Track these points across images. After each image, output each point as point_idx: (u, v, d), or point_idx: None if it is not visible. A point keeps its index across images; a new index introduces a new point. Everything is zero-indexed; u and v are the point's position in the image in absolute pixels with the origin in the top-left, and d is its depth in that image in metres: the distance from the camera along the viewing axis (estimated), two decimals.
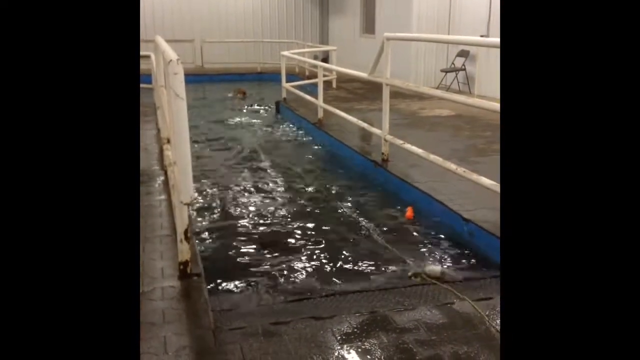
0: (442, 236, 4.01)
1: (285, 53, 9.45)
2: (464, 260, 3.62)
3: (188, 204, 2.82)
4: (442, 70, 11.00)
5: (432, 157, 4.54)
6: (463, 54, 10.58)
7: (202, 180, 5.64)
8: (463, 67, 10.61)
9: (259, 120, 9.53)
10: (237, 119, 9.64)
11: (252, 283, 3.28)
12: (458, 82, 10.69)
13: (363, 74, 5.89)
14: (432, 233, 4.09)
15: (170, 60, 2.31)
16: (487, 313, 2.67)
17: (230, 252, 3.81)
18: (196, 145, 7.32)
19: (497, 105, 3.96)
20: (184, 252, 2.93)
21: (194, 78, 14.71)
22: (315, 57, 16.47)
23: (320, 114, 7.59)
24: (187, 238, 2.92)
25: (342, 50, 13.69)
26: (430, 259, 3.67)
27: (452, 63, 10.86)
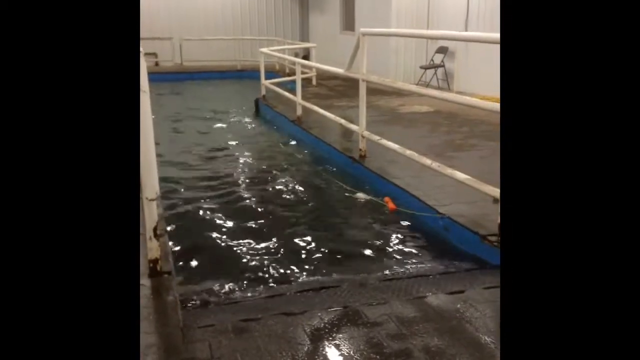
0: (418, 230, 4.01)
1: (264, 50, 9.40)
2: (438, 254, 3.62)
3: (154, 200, 2.78)
4: (421, 67, 11.04)
5: (408, 152, 4.54)
6: (442, 50, 10.62)
7: (171, 180, 5.59)
8: (442, 63, 10.65)
9: (237, 118, 9.47)
10: (215, 116, 9.57)
11: (225, 280, 3.24)
12: (437, 79, 10.74)
13: (340, 70, 5.87)
14: (408, 227, 4.08)
15: None
16: (458, 306, 2.67)
17: (202, 249, 3.77)
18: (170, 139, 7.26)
19: (474, 100, 3.98)
20: (154, 249, 2.88)
21: (173, 76, 14.63)
22: (296, 55, 16.45)
23: (299, 112, 7.56)
24: (156, 235, 2.87)
25: (322, 47, 13.67)
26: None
27: (431, 59, 10.90)
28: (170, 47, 15.44)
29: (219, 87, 13.75)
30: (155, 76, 14.35)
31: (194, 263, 3.53)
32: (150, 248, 2.87)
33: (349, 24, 13.92)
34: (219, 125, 8.93)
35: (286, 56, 9.71)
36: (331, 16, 15.07)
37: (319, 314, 2.59)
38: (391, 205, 4.37)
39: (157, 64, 15.81)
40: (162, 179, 5.00)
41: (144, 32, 15.31)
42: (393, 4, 11.26)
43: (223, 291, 3.08)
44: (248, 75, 14.37)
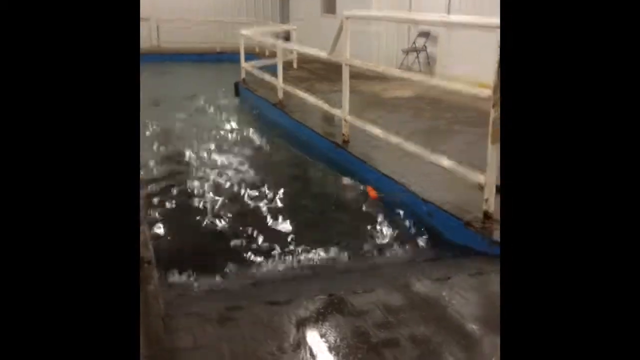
0: (402, 216, 4.00)
1: (244, 32, 9.25)
2: (423, 241, 3.61)
3: None
4: (403, 51, 10.98)
5: (392, 138, 4.51)
6: (424, 34, 10.58)
7: (153, 164, 5.49)
8: (424, 47, 10.62)
9: (216, 101, 9.33)
10: (192, 100, 9.42)
11: (208, 266, 3.19)
12: (419, 63, 10.70)
13: (322, 54, 5.80)
14: (392, 213, 4.07)
15: None
16: (444, 293, 2.66)
17: (184, 235, 3.71)
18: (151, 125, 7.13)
19: (459, 87, 3.96)
20: None
21: (150, 57, 14.32)
22: (276, 37, 16.25)
23: (281, 95, 7.46)
24: None
25: (303, 30, 13.50)
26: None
27: (413, 43, 10.86)
28: (147, 28, 15.12)
29: (197, 69, 13.55)
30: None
31: (174, 250, 3.46)
32: None
33: (330, 6, 13.77)
34: (196, 109, 8.78)
35: (267, 38, 9.55)
36: None
37: (305, 303, 2.55)
38: (373, 193, 4.35)
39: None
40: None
41: None
42: None
43: (206, 279, 3.03)
44: (227, 57, 14.14)
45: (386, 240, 3.63)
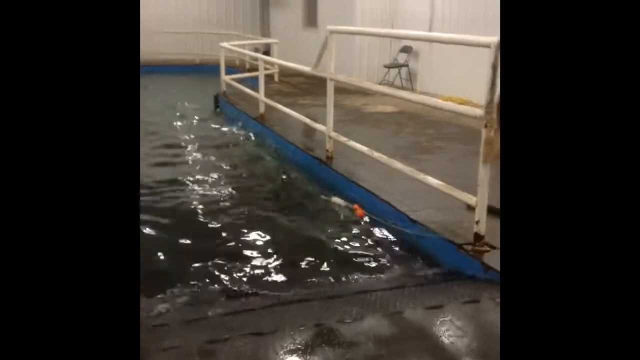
0: (389, 238, 3.87)
1: (225, 45, 9.11)
2: (412, 263, 3.49)
3: None
4: (385, 66, 10.95)
5: (377, 154, 4.40)
6: (406, 49, 10.56)
7: None
8: (406, 63, 10.60)
9: (195, 114, 9.16)
10: (171, 112, 9.24)
11: (187, 293, 3.01)
12: (401, 78, 10.67)
13: (306, 68, 5.69)
14: (379, 235, 3.94)
15: None
16: (438, 322, 2.53)
17: (160, 260, 3.52)
18: None
19: (441, 103, 3.89)
20: None
21: None
22: (256, 50, 16.12)
23: (262, 109, 7.33)
24: None
25: (284, 43, 13.40)
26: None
27: (395, 59, 10.84)
28: None
29: (177, 81, 13.35)
30: None
31: (153, 275, 3.28)
32: None
33: (311, 20, 13.72)
34: (175, 121, 8.60)
35: (247, 52, 9.41)
36: (293, 11, 14.82)
37: (291, 333, 2.40)
38: (360, 211, 4.23)
39: None
40: None
41: None
42: (357, 1, 11.13)
43: (186, 306, 2.85)
44: (208, 69, 13.94)
45: (373, 263, 3.49)
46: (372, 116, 7.85)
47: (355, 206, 4.34)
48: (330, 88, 5.13)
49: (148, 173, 5.62)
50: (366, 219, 4.15)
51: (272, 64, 10.35)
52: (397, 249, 3.71)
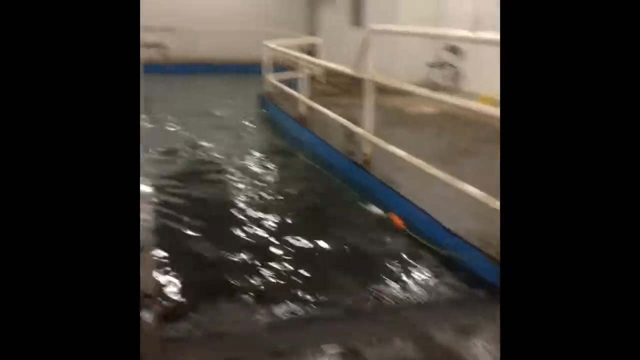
0: (425, 250, 3.70)
1: (269, 44, 9.07)
2: (447, 278, 3.31)
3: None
4: (428, 65, 10.67)
5: (415, 160, 4.22)
6: (451, 48, 10.25)
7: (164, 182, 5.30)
8: (451, 61, 10.29)
9: (239, 114, 9.17)
10: (216, 111, 9.28)
11: (211, 303, 2.93)
12: (445, 77, 10.37)
13: (346, 69, 5.56)
14: (414, 246, 3.77)
15: None
16: (471, 346, 2.36)
17: (188, 265, 3.47)
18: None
19: (484, 107, 3.68)
20: None
21: (181, 68, 14.36)
22: (302, 49, 16.09)
23: (303, 110, 7.24)
24: None
25: (330, 42, 13.31)
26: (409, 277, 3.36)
27: (440, 57, 10.54)
28: (176, 39, 15.13)
29: (223, 80, 13.44)
30: (163, 68, 14.21)
31: (179, 280, 3.23)
32: None
33: (357, 18, 13.55)
34: (218, 121, 8.64)
35: (290, 51, 9.32)
36: (340, 10, 14.70)
37: (312, 353, 2.28)
38: (397, 221, 4.06)
39: (164, 55, 15.53)
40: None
41: (155, 22, 15.04)
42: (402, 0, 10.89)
43: (208, 318, 2.77)
44: (254, 68, 14.00)
45: (406, 277, 3.32)
46: (414, 118, 7.63)
47: (392, 215, 4.18)
48: (369, 90, 4.98)
49: (191, 166, 5.63)
50: (402, 227, 3.99)
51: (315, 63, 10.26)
52: (432, 262, 3.52)
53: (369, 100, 5.01)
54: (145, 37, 11.52)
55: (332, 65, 6.16)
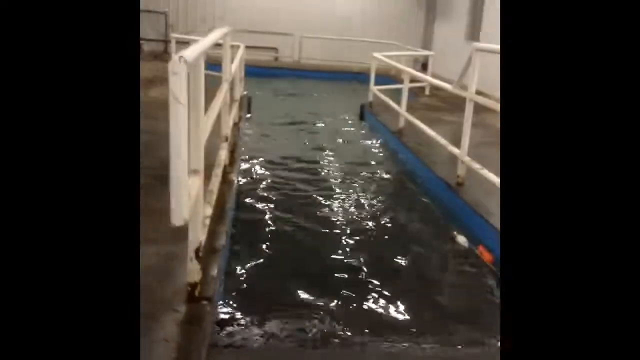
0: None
1: (377, 55, 8.99)
2: None
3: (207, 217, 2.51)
4: None
5: None
6: None
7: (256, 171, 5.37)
8: None
9: (339, 122, 9.17)
10: (318, 118, 9.34)
11: (266, 314, 2.89)
12: None
13: (448, 85, 5.33)
14: (494, 280, 3.50)
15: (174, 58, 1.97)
16: None
17: (260, 272, 3.46)
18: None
19: None
20: (194, 272, 2.61)
21: (290, 72, 14.72)
22: (416, 61, 15.83)
23: (402, 123, 7.07)
24: (198, 257, 2.60)
25: (444, 56, 12.99)
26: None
27: None
28: (290, 43, 15.54)
29: (331, 87, 13.56)
30: (273, 71, 14.67)
31: (244, 285, 3.22)
32: (190, 270, 2.61)
33: (474, 33, 13.09)
34: (318, 127, 8.68)
35: (394, 63, 9.15)
36: (456, 24, 14.30)
37: None
38: (487, 256, 3.77)
39: (276, 59, 16.02)
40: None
41: (266, 26, 15.59)
42: None
43: (260, 330, 2.73)
44: (363, 78, 13.99)
45: (490, 321, 3.05)
46: None
47: (481, 248, 3.91)
48: (469, 109, 4.73)
49: (276, 170, 5.69)
50: (490, 262, 3.71)
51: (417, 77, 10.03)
52: None
53: (468, 120, 4.75)
54: (258, 40, 11.93)
55: (434, 81, 5.94)
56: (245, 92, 9.28)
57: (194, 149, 2.50)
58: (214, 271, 2.88)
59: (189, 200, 2.20)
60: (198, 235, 2.59)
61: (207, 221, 2.88)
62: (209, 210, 2.95)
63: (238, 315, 2.87)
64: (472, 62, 4.57)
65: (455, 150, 5.03)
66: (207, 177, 3.50)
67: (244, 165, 5.91)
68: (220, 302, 2.90)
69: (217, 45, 4.28)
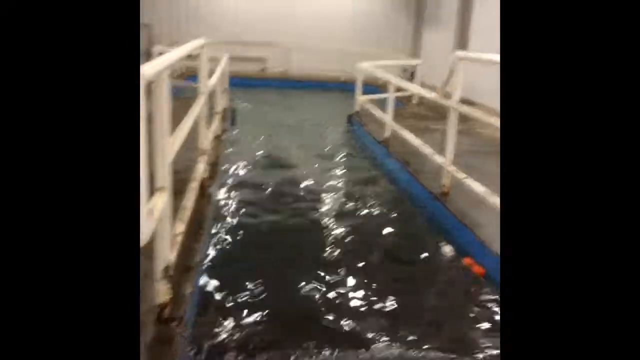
0: (493, 297, 3.32)
1: (363, 65, 8.94)
2: None
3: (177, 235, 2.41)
4: None
5: (494, 199, 3.84)
6: None
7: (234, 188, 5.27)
8: None
9: (326, 132, 9.10)
10: (305, 128, 9.27)
11: (249, 333, 2.79)
12: None
13: (431, 94, 5.27)
14: (483, 291, 3.41)
15: None
16: None
17: (239, 289, 3.35)
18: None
19: None
20: (163, 292, 2.50)
21: (279, 83, 14.68)
22: (405, 70, 15.81)
23: (388, 133, 6.99)
24: (167, 276, 2.50)
25: (433, 64, 12.97)
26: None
27: None
28: (277, 54, 15.51)
29: (319, 97, 13.52)
30: (261, 82, 14.62)
31: (221, 303, 3.12)
32: (158, 291, 2.50)
33: (462, 41, 13.09)
34: (304, 139, 8.60)
35: (378, 72, 9.10)
36: (445, 32, 14.30)
37: None
38: (477, 268, 3.68)
39: (264, 69, 15.96)
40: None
41: (253, 37, 15.55)
42: None
43: (234, 351, 2.62)
44: (351, 87, 13.94)
45: (480, 337, 2.95)
46: None
47: (468, 260, 3.81)
48: (453, 117, 4.67)
49: (260, 181, 5.59)
50: (481, 274, 3.62)
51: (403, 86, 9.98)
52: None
53: (452, 128, 4.69)
54: (246, 51, 11.91)
55: (418, 90, 5.88)
56: (229, 104, 9.21)
57: (159, 166, 2.41)
58: (187, 290, 2.77)
59: (151, 219, 2.10)
60: (166, 254, 2.49)
61: (179, 238, 2.77)
62: (180, 227, 2.85)
63: (212, 334, 2.76)
64: (456, 70, 4.51)
65: (439, 159, 4.95)
66: (181, 193, 3.40)
67: (226, 179, 5.81)
68: (194, 320, 2.79)
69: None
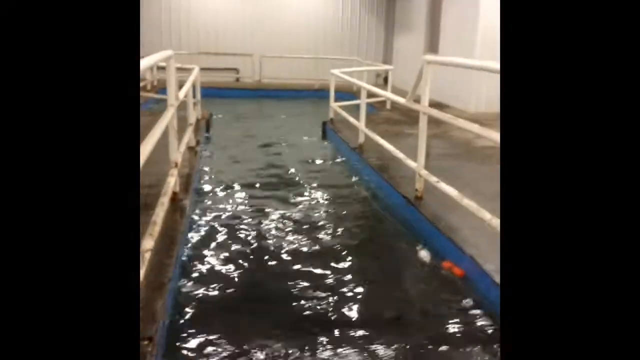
0: (469, 301, 3.33)
1: (335, 71, 8.95)
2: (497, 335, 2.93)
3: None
4: None
5: (466, 201, 3.86)
6: None
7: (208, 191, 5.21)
8: None
9: (300, 141, 9.08)
10: (279, 137, 9.24)
11: (222, 350, 2.75)
12: None
13: (401, 99, 5.29)
14: (458, 296, 3.41)
15: None
16: None
17: (214, 305, 3.30)
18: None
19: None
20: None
21: (251, 93, 14.63)
22: (378, 76, 15.90)
23: (362, 139, 7.00)
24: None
25: (405, 70, 13.07)
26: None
27: None
28: (250, 64, 15.48)
29: (293, 106, 13.49)
30: (234, 92, 14.55)
31: (195, 320, 3.06)
32: None
33: (432, 46, 13.23)
34: (279, 148, 8.57)
35: (350, 78, 9.13)
36: (416, 37, 14.45)
37: None
38: (457, 270, 3.68)
39: (237, 79, 15.93)
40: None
41: (226, 47, 15.51)
42: (479, 29, 10.44)
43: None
44: (325, 95, 13.96)
45: (459, 340, 2.94)
46: (483, 151, 7.15)
47: (447, 263, 3.81)
48: (423, 122, 4.69)
49: (240, 194, 5.54)
50: (461, 275, 3.62)
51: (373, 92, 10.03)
52: (479, 316, 3.14)
53: (423, 132, 4.71)
54: (220, 62, 11.86)
55: (389, 95, 5.91)
56: (203, 115, 9.14)
57: None
58: (157, 307, 2.72)
59: None
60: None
61: (147, 255, 2.72)
62: (149, 244, 2.79)
63: (185, 352, 2.71)
64: (424, 74, 4.54)
65: (412, 163, 4.96)
66: (152, 208, 3.35)
67: (200, 191, 5.75)
68: (165, 339, 2.73)
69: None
